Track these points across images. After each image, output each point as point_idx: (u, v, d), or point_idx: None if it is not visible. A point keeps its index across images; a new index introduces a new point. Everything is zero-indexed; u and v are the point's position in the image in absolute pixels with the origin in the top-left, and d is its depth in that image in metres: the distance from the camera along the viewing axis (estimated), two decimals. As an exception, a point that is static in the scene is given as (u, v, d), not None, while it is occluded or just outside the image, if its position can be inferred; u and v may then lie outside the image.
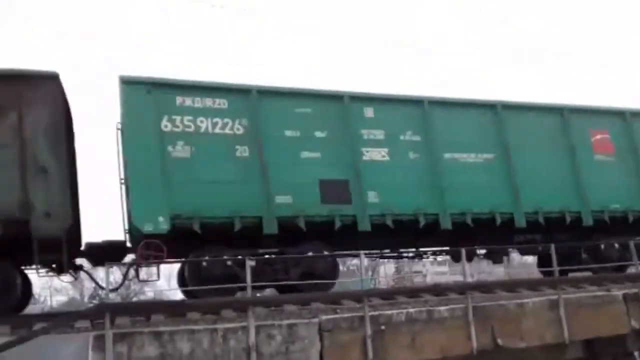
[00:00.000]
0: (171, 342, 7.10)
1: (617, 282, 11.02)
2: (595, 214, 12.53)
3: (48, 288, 43.40)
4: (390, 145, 11.11)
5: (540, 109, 13.04)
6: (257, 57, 75.63)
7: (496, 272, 44.13)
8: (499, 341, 9.00)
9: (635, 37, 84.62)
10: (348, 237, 10.74)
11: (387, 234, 10.97)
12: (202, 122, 9.92)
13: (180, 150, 9.65)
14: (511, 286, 10.66)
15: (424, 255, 13.15)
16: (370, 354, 7.98)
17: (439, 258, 15.72)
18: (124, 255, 10.42)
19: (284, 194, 10.09)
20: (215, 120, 10.02)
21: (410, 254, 12.79)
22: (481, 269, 41.48)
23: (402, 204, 10.91)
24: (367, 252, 10.57)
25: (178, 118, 9.77)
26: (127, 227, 10.25)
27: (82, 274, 10.61)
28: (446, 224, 11.16)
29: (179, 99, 9.89)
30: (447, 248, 12.07)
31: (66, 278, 10.24)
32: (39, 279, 10.17)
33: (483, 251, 12.20)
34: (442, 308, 8.86)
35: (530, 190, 11.95)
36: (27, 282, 9.95)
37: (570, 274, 12.24)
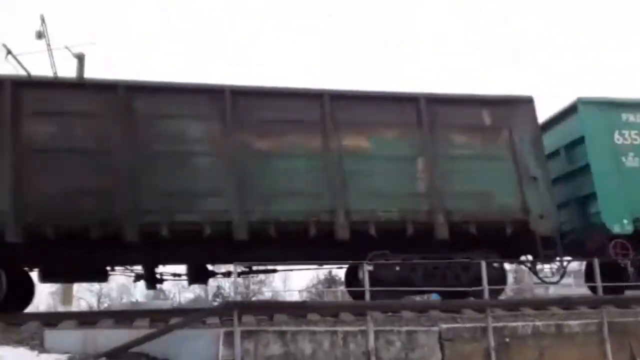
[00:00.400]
0: (293, 341, 7.29)
1: None
2: None
3: (177, 285, 46.65)
4: None
5: None
6: (257, 57, 75.81)
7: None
8: (639, 360, 8.28)
9: (635, 37, 75.20)
10: None
11: None
12: None
13: (631, 161, 10.98)
14: (651, 302, 9.74)
15: None
16: (495, 366, 7.69)
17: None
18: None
19: None
20: None
21: None
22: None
23: None
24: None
25: (626, 132, 11.14)
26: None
27: None
28: None
29: (624, 116, 11.25)
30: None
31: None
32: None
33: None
34: (573, 322, 8.33)
35: None
36: None
37: None
